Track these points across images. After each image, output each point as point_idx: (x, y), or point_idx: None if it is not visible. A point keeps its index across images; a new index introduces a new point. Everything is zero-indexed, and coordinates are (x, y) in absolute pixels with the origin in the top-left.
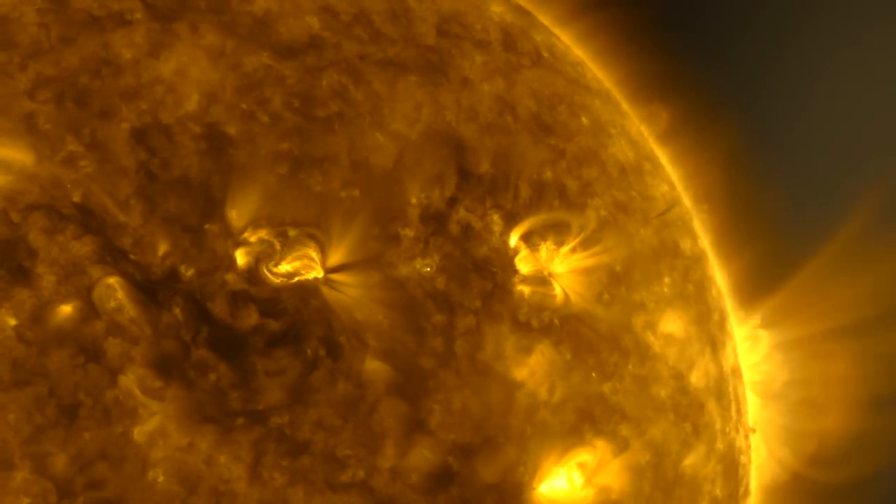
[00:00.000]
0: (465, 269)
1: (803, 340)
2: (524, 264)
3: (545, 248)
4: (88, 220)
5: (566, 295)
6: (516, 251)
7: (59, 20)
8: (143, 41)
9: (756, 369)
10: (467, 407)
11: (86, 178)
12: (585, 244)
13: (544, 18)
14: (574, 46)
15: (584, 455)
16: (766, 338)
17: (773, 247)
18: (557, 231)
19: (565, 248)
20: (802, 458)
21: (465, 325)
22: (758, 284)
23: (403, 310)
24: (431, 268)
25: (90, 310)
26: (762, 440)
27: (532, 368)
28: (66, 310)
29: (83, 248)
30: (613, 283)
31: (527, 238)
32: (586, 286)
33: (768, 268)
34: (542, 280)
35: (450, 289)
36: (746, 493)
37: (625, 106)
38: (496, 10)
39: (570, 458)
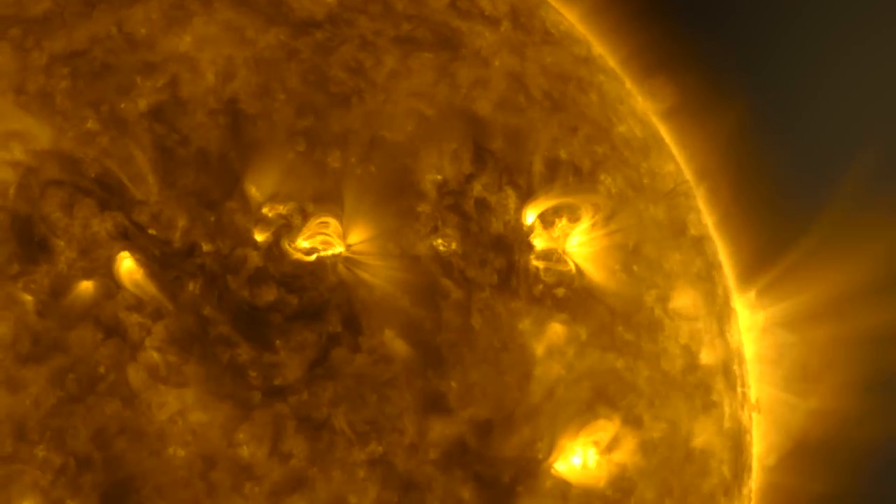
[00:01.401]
0: (481, 246)
1: (799, 318)
2: (539, 241)
3: (560, 225)
4: (107, 195)
5: (580, 271)
6: (531, 228)
7: None
8: (157, 17)
9: (751, 347)
10: (484, 383)
11: (104, 153)
12: (599, 221)
13: None
14: (577, 23)
15: (599, 432)
16: (762, 315)
17: (773, 224)
18: (571, 208)
19: (579, 225)
20: (797, 435)
21: (482, 301)
22: (756, 262)
23: (420, 286)
24: (448, 244)
25: (110, 285)
26: (759, 417)
27: (547, 345)
28: (85, 285)
29: (102, 223)
30: (626, 260)
31: (542, 215)
32: (600, 263)
33: (766, 246)
34: (556, 257)
35: (466, 265)
36: (749, 470)
37: (629, 83)
38: None
39: (585, 435)
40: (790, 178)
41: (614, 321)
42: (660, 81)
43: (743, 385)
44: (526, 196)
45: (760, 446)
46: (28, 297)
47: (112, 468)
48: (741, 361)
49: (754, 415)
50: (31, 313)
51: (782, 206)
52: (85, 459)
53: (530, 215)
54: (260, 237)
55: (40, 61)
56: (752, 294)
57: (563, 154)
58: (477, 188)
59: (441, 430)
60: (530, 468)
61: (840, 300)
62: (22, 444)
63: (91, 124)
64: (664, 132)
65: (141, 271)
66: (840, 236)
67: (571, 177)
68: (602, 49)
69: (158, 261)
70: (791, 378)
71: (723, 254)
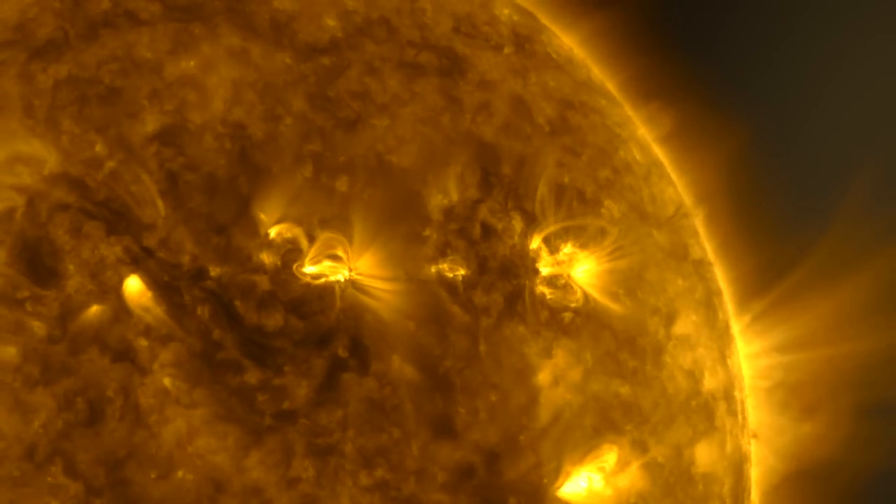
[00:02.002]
0: (487, 271)
1: (795, 343)
2: (545, 266)
3: (565, 250)
4: (115, 220)
5: (586, 297)
6: (537, 253)
7: (76, 20)
8: (163, 41)
9: (747, 372)
10: (491, 409)
11: (112, 177)
12: (603, 246)
13: (544, 20)
14: (575, 48)
15: (604, 456)
16: (758, 340)
17: (769, 251)
18: (576, 233)
19: (584, 250)
20: (793, 460)
21: (489, 327)
22: (751, 288)
23: (428, 311)
24: (455, 269)
25: (118, 310)
26: (756, 443)
27: (553, 370)
28: (94, 310)
29: (110, 248)
30: (630, 285)
31: (547, 239)
32: (605, 288)
33: (762, 272)
34: (562, 282)
35: (473, 290)
36: (748, 494)
37: (627, 108)
38: (504, 11)
39: (590, 460)
40: (789, 204)
41: (619, 347)
42: (657, 107)
43: (743, 411)
44: (531, 221)
45: (757, 471)
46: (36, 322)
47: (121, 491)
48: (741, 387)
49: (752, 440)
50: (40, 338)
51: (779, 232)
52: (93, 483)
53: (536, 240)
54: (268, 261)
55: (46, 85)
56: (748, 319)
57: (567, 179)
58: (483, 213)
59: (448, 455)
60: (536, 493)
61: (836, 325)
62: (30, 469)
63: (98, 148)
64: (663, 157)
65: (149, 295)
66: (835, 263)
67: (576, 201)
68: (600, 74)
69: (167, 285)
70: (787, 403)
71: (721, 279)
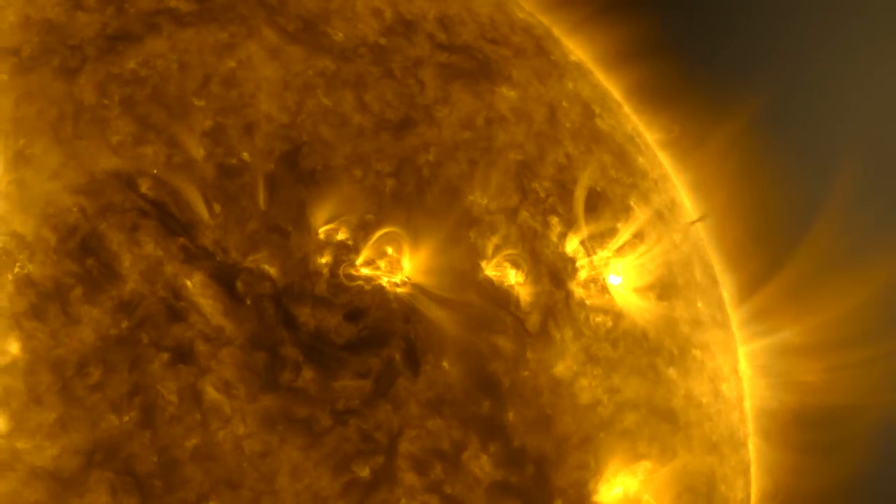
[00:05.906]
0: (531, 274)
1: (784, 349)
2: (583, 270)
3: (601, 254)
4: (170, 220)
5: (621, 300)
6: (574, 257)
7: (117, 22)
8: (209, 43)
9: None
10: (538, 412)
11: (165, 177)
12: (636, 250)
13: (548, 25)
14: (580, 55)
15: (640, 461)
16: (747, 346)
17: (768, 257)
18: (611, 237)
19: (619, 255)
20: (783, 464)
21: (534, 329)
22: (749, 295)
23: (477, 314)
24: (500, 273)
25: (176, 309)
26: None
27: (592, 374)
28: (152, 309)
29: (167, 247)
30: (661, 290)
31: (583, 243)
32: (638, 292)
33: (742, 286)
34: (598, 285)
35: (518, 293)
36: (749, 496)
37: (634, 117)
38: (521, 16)
39: (627, 463)
40: (787, 209)
41: (652, 351)
42: (662, 115)
43: (747, 417)
44: (568, 225)
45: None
46: (94, 322)
47: (179, 492)
48: (745, 396)
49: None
50: (97, 337)
51: (778, 237)
52: (150, 483)
53: (573, 244)
54: (322, 262)
55: (91, 87)
56: (741, 325)
57: (600, 184)
58: (524, 216)
59: (497, 458)
60: (577, 495)
61: (829, 331)
62: (90, 467)
63: (150, 148)
64: (668, 163)
65: (206, 294)
66: (836, 269)
67: (608, 206)
68: (606, 81)
69: (224, 285)
70: (775, 408)
71: (723, 285)
